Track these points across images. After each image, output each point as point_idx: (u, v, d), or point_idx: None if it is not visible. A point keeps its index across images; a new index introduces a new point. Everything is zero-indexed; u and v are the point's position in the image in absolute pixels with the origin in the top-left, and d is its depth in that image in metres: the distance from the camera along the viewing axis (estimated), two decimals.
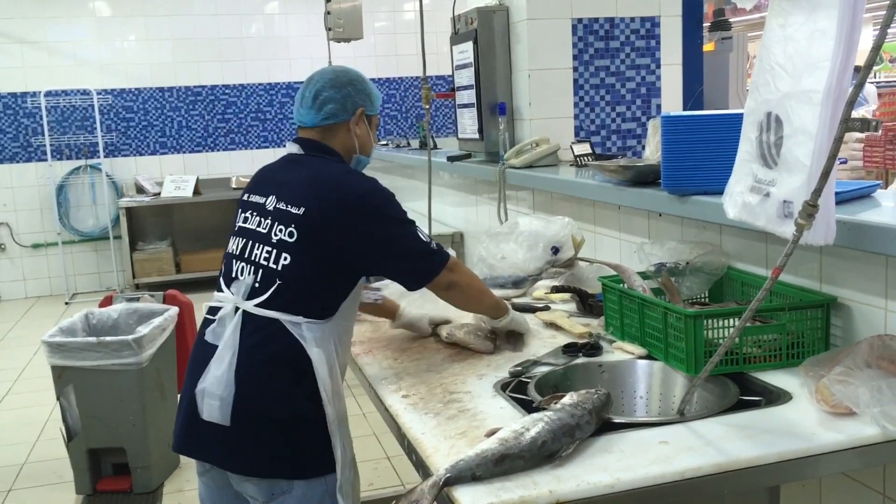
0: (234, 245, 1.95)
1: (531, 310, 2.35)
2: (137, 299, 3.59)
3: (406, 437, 1.55)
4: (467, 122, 3.92)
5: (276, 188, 1.94)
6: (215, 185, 7.63)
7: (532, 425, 1.35)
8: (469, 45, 3.71)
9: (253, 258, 1.88)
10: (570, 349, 1.94)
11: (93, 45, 7.50)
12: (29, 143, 7.52)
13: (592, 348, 1.94)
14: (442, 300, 2.00)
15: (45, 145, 7.39)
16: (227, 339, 1.83)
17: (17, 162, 7.51)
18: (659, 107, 3.73)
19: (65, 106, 7.50)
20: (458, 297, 1.97)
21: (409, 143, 6.26)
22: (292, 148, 2.01)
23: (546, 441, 1.33)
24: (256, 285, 1.85)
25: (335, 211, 1.85)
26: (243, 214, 1.98)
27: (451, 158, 4.07)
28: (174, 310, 3.51)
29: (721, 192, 1.62)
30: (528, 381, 1.74)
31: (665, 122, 2.09)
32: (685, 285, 2.04)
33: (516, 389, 1.72)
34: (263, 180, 2.02)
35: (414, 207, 5.47)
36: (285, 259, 1.84)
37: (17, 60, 7.33)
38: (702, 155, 2.04)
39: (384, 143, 6.88)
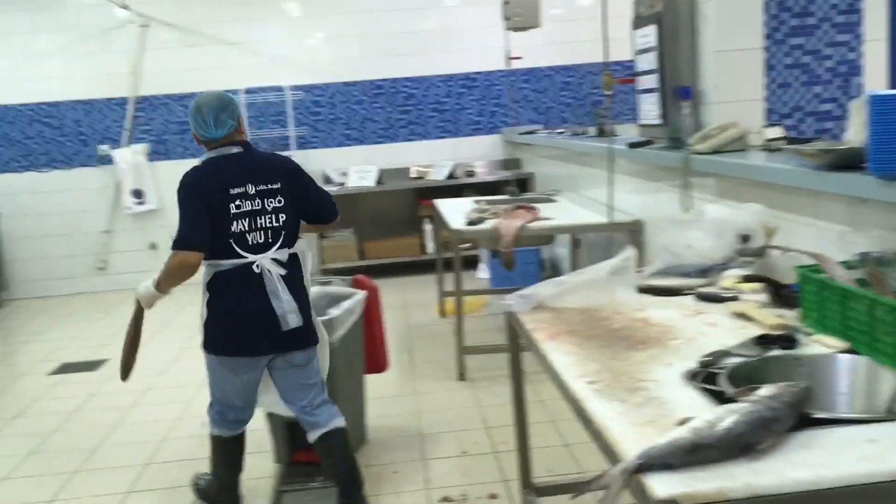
0: (239, 226, 2.87)
1: (718, 300, 2.28)
2: (330, 283, 3.80)
3: (592, 422, 1.55)
4: (649, 108, 3.83)
5: (248, 178, 2.91)
6: (395, 176, 7.92)
7: (726, 416, 1.32)
8: (652, 29, 3.63)
9: (260, 226, 2.90)
10: (762, 341, 1.87)
11: (285, 44, 7.98)
12: None
13: (788, 341, 1.85)
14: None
15: None
16: (275, 278, 2.89)
17: None
18: (861, 86, 3.48)
19: (261, 102, 8.05)
20: None
21: (585, 131, 6.20)
22: (232, 150, 2.95)
23: (742, 433, 1.29)
24: (270, 241, 2.92)
25: (290, 175, 3.01)
26: (233, 204, 2.86)
27: (632, 145, 4.00)
28: (363, 293, 3.67)
29: None
30: (719, 371, 1.70)
31: (874, 101, 1.96)
32: (894, 276, 1.91)
33: (706, 380, 1.68)
34: (227, 179, 2.89)
35: (591, 195, 5.43)
36: (283, 216, 2.95)
37: (220, 60, 7.94)
38: None
39: (560, 131, 6.85)
